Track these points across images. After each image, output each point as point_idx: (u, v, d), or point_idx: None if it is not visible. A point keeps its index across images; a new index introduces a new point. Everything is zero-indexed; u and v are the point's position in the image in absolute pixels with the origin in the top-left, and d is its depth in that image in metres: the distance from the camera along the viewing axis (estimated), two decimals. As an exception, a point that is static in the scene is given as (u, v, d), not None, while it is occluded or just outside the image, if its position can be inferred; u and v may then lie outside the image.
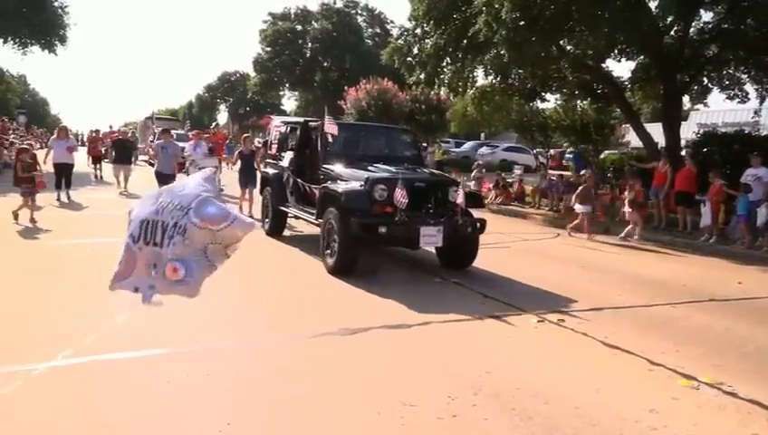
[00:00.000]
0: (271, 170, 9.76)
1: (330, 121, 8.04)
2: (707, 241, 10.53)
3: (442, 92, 24.03)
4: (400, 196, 6.46)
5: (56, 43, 27.33)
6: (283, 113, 43.49)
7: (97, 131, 19.04)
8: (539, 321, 5.46)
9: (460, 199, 6.94)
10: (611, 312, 5.94)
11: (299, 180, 8.43)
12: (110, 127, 21.25)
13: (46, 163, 12.33)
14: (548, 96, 20.56)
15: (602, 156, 22.57)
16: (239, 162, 12.07)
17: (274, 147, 10.09)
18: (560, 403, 3.65)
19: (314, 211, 7.67)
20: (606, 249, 10.10)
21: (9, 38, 26.42)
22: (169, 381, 3.81)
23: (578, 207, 11.24)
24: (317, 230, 7.58)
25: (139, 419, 3.33)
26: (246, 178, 11.68)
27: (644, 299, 6.51)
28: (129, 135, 29.59)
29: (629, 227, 10.84)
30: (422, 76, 17.47)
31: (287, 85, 46.07)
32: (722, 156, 13.65)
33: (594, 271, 8.10)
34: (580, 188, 11.54)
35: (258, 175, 11.80)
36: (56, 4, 26.68)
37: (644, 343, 4.90)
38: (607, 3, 11.88)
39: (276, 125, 10.60)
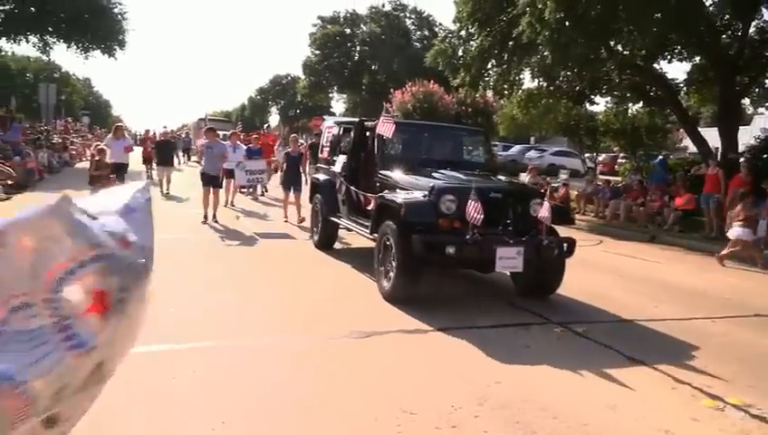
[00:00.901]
0: (322, 176, 8.82)
1: (386, 120, 6.97)
2: (762, 253, 9.91)
3: (489, 95, 23.67)
4: (474, 209, 5.38)
5: (116, 47, 28.52)
6: (333, 115, 43.91)
7: (148, 132, 19.60)
8: (562, 331, 5.25)
9: (545, 214, 5.79)
10: (642, 324, 5.64)
11: (352, 188, 7.54)
12: (164, 127, 21.89)
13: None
14: (598, 99, 19.97)
15: (655, 161, 21.77)
16: (285, 164, 11.47)
17: (326, 150, 9.16)
18: (568, 419, 3.47)
19: (369, 224, 6.69)
20: (650, 258, 9.67)
21: (72, 43, 27.73)
22: (174, 377, 3.84)
23: (735, 233, 9.20)
24: (373, 244, 6.60)
25: (134, 411, 3.36)
26: (291, 181, 11.10)
27: (681, 312, 6.17)
28: (184, 135, 30.78)
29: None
30: (467, 79, 17.27)
31: (335, 88, 46.54)
32: (785, 162, 12.89)
33: (632, 281, 7.75)
34: (740, 206, 9.45)
35: (304, 179, 11.35)
36: (116, 10, 27.87)
37: (672, 358, 4.63)
38: (657, 1, 11.38)
39: (329, 126, 9.73)
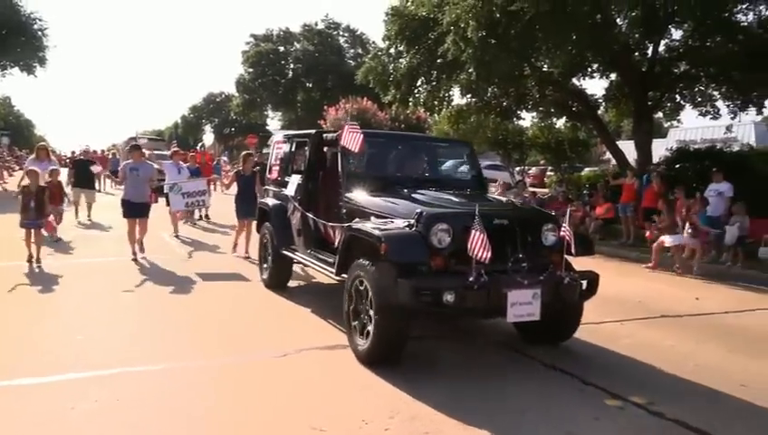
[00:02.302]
0: (271, 201, 7.48)
1: (352, 129, 5.55)
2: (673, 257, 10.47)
3: (421, 111, 24.14)
4: (479, 242, 4.14)
5: (35, 65, 27.30)
6: (269, 133, 43.47)
7: (53, 152, 18.58)
8: (485, 342, 5.36)
9: (571, 246, 4.68)
10: (558, 330, 5.82)
11: (309, 215, 6.34)
12: (87, 146, 20.83)
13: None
14: (524, 114, 20.74)
15: (583, 173, 22.81)
16: (235, 185, 9.77)
17: (276, 169, 7.77)
18: (477, 427, 3.52)
19: (334, 260, 5.35)
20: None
21: (-13, 60, 26.40)
22: (73, 406, 3.66)
23: (669, 240, 9.64)
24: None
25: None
26: (246, 207, 9.34)
27: (594, 316, 6.34)
28: (111, 156, 29.58)
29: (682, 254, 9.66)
30: (397, 95, 17.54)
31: (270, 106, 46.28)
32: (695, 171, 13.74)
33: (553, 288, 7.98)
34: (662, 215, 10.01)
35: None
36: (35, 27, 26.70)
37: (583, 361, 4.83)
38: (571, 21, 11.96)
39: (278, 141, 8.16)
